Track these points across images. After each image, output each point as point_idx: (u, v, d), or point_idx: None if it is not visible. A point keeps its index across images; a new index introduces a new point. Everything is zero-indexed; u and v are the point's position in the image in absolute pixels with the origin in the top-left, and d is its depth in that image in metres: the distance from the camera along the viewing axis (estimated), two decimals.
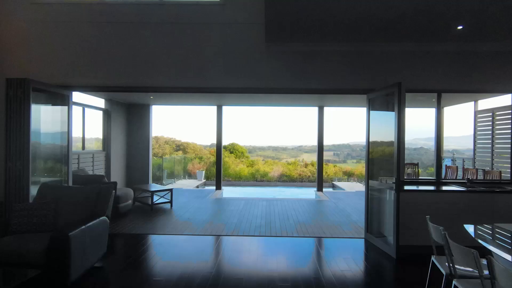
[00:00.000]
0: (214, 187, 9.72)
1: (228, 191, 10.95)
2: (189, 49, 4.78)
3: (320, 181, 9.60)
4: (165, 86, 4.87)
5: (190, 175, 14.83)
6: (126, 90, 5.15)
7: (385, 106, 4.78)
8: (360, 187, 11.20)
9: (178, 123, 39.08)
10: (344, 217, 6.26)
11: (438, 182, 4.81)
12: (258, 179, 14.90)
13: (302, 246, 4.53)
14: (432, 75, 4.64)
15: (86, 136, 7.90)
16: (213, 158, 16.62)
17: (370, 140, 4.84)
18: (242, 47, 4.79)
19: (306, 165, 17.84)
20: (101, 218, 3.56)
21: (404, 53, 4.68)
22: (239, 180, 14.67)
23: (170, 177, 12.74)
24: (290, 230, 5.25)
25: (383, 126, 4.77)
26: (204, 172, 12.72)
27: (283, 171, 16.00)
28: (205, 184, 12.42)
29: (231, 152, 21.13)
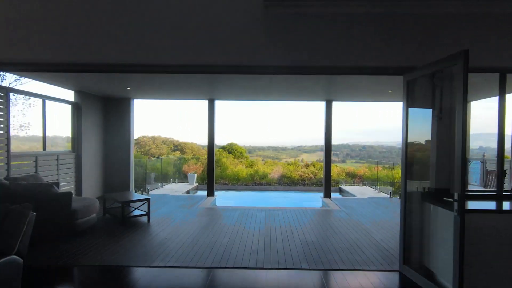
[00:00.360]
0: (206, 193, 8.40)
1: (221, 198, 9.66)
2: (162, 15, 3.47)
3: (327, 186, 8.30)
4: (123, 64, 3.57)
5: (186, 177, 13.60)
6: (77, 70, 3.88)
7: (430, 90, 3.50)
8: (372, 192, 9.91)
9: (176, 122, 37.83)
10: (362, 235, 4.97)
11: (500, 195, 3.52)
12: (257, 182, 13.65)
13: (315, 287, 3.23)
14: (497, 48, 3.34)
15: (50, 135, 6.61)
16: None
17: (405, 138, 3.55)
18: (233, 10, 3.48)
19: (307, 166, 16.81)
20: (6, 258, 2.27)
21: (457, 17, 3.38)
22: (236, 182, 13.43)
23: (163, 180, 11.44)
24: (296, 258, 3.96)
25: (427, 118, 3.50)
26: (196, 175, 11.41)
27: (283, 172, 14.93)
28: (197, 189, 11.11)
29: (229, 152, 20.06)
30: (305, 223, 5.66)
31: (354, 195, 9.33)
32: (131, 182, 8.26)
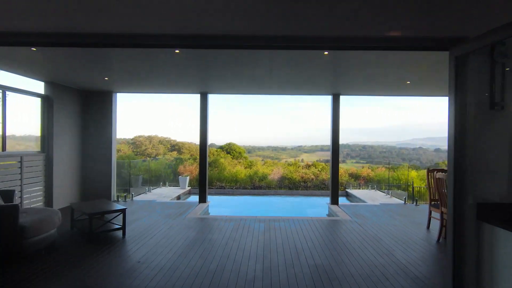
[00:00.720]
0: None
1: (215, 205, 8.72)
2: None
3: (335, 191, 7.37)
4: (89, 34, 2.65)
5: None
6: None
7: (488, 69, 2.57)
8: (383, 197, 8.98)
9: (174, 121, 36.97)
10: (383, 254, 4.04)
11: None
12: (256, 185, 12.73)
13: None
14: None
15: (15, 133, 5.69)
16: (210, 159, 14.53)
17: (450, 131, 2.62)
18: None
19: (308, 167, 15.99)
20: None
21: None
22: (234, 184, 12.51)
23: (153, 184, 10.51)
24: None
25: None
26: (188, 178, 10.45)
27: (283, 173, 14.14)
28: (189, 193, 10.16)
29: (227, 153, 19.20)
30: (312, 239, 4.72)
31: (364, 201, 8.39)
32: (112, 188, 7.32)
